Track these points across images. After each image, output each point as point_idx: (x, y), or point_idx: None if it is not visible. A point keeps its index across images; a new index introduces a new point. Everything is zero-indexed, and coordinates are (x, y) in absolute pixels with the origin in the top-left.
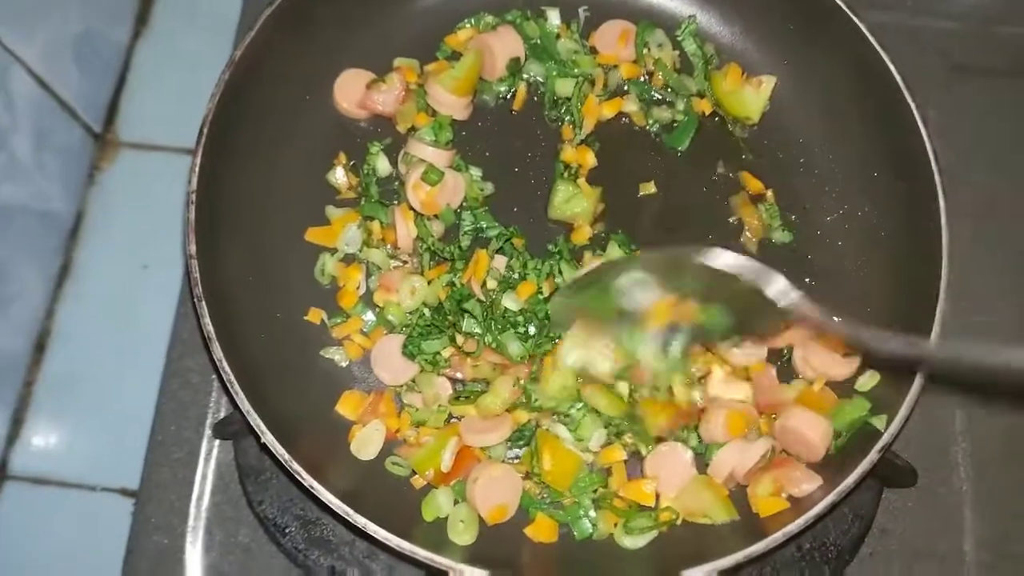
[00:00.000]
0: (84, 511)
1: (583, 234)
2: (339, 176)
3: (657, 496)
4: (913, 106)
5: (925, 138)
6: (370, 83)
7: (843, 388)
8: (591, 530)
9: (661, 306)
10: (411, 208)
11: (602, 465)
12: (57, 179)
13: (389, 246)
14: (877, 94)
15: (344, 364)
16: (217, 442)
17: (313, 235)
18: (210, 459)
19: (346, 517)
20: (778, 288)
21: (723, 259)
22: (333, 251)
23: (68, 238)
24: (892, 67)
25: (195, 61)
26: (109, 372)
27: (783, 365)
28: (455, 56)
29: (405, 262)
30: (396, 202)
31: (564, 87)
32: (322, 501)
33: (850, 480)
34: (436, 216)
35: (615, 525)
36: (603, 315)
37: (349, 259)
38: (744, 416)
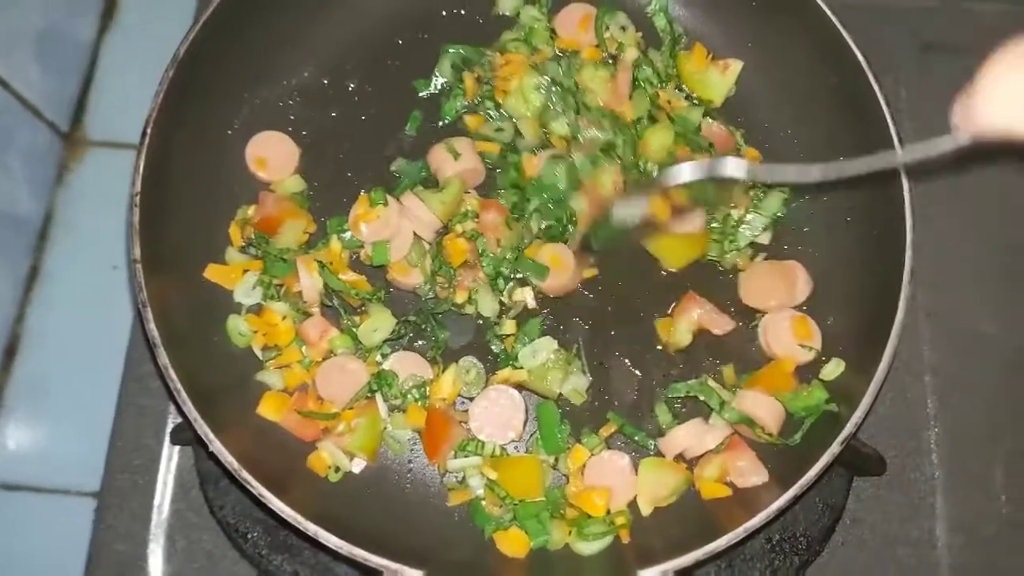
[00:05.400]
0: (57, 516)
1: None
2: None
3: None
4: (876, 87)
5: (889, 120)
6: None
7: (806, 376)
8: (546, 539)
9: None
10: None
11: (564, 471)
12: (23, 180)
13: (300, 300)
14: (841, 76)
15: (279, 388)
16: (177, 447)
17: (212, 273)
18: (171, 465)
19: (291, 521)
20: (733, 166)
21: (683, 174)
22: (238, 308)
23: (36, 240)
24: (855, 47)
25: (165, 56)
26: (81, 375)
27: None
28: None
29: (311, 314)
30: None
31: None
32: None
33: (811, 473)
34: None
35: (569, 533)
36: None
37: (257, 308)
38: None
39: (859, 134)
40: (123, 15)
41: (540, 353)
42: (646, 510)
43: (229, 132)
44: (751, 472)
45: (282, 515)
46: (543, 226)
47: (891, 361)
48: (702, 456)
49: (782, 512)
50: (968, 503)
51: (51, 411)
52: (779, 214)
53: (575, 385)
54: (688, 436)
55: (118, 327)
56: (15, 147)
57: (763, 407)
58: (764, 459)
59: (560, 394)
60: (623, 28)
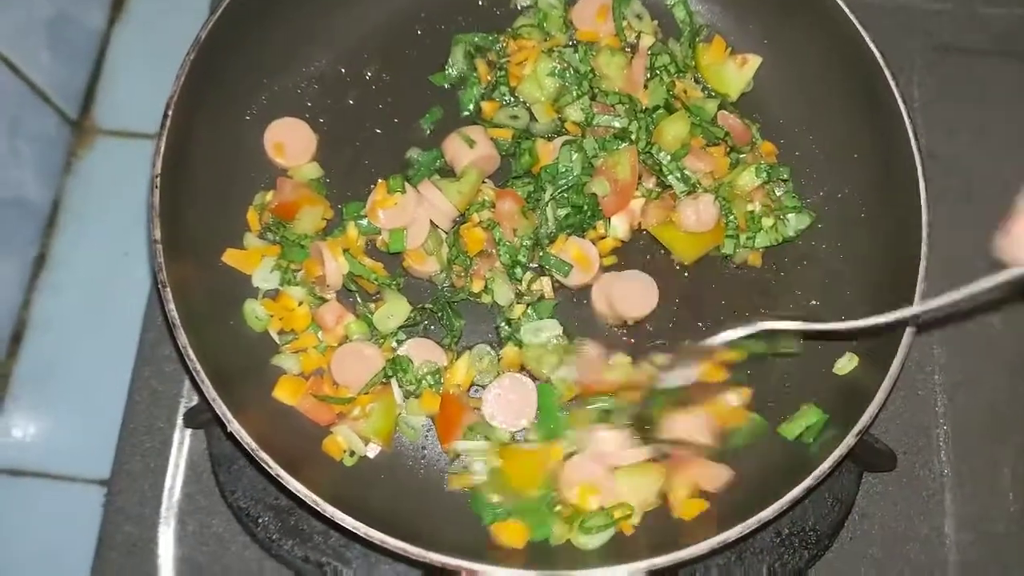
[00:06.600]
0: (63, 502)
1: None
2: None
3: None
4: (894, 86)
5: (906, 118)
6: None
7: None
8: (548, 532)
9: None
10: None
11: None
12: (32, 167)
13: (318, 286)
14: (858, 74)
15: (295, 372)
16: (189, 431)
17: (231, 258)
18: (182, 448)
19: (308, 502)
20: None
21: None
22: (255, 293)
23: (45, 227)
24: (873, 46)
25: (173, 46)
26: (88, 362)
27: None
28: None
29: (327, 299)
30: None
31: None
32: (292, 492)
33: (826, 465)
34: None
35: (571, 528)
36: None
37: (274, 293)
38: None
39: (875, 132)
40: (133, 5)
41: (543, 333)
42: (637, 518)
43: (247, 118)
44: (715, 475)
45: (299, 495)
46: (560, 215)
47: (905, 356)
48: (665, 481)
49: (796, 503)
50: (977, 500)
51: (57, 398)
52: (802, 228)
53: (566, 376)
54: (613, 442)
55: (126, 314)
56: (24, 133)
57: (692, 428)
58: (777, 453)
59: (549, 380)
60: (639, 16)
